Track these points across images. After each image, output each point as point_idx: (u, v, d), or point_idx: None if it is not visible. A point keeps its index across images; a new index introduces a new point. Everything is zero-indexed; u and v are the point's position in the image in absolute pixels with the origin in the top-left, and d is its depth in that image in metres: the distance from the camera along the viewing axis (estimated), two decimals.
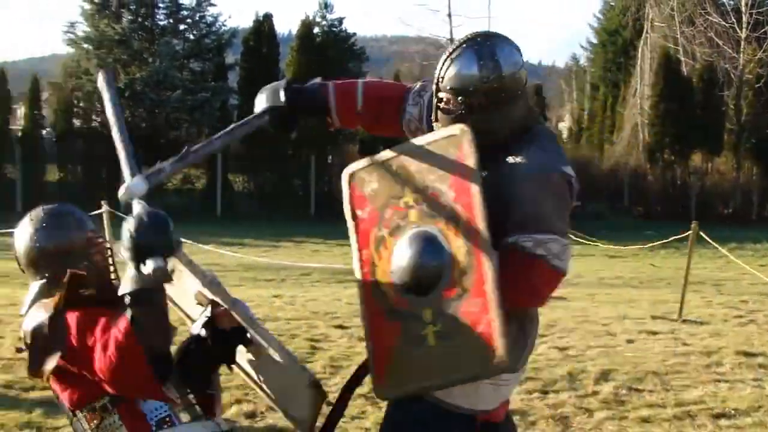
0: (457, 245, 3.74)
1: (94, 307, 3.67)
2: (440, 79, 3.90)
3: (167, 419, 3.79)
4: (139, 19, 35.55)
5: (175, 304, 4.26)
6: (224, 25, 37.56)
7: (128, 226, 3.29)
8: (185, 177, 36.89)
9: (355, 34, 42.39)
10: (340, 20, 40.62)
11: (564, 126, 57.66)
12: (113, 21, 34.62)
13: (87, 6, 35.39)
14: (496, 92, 3.87)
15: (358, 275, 3.91)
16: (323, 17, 40.05)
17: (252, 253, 20.46)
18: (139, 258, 3.26)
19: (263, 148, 35.27)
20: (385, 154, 3.98)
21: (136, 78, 33.50)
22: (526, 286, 3.77)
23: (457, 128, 3.79)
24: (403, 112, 4.23)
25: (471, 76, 3.85)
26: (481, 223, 3.68)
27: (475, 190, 3.71)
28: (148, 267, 3.23)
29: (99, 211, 15.24)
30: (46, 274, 3.89)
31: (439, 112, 3.94)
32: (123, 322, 3.40)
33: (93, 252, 3.93)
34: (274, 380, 4.27)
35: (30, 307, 3.87)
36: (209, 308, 4.03)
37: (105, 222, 14.75)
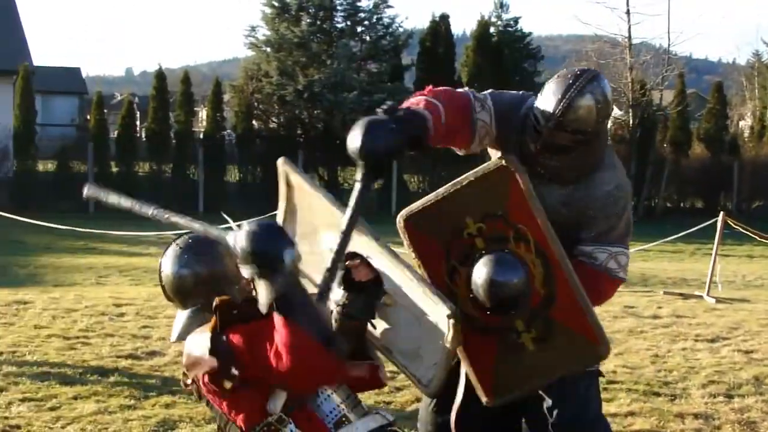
0: (531, 259, 4.11)
1: (248, 323, 3.77)
2: (561, 119, 4.12)
3: (343, 419, 3.88)
4: (318, 22, 36.05)
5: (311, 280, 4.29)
6: (401, 27, 37.80)
7: (241, 243, 3.63)
8: None
9: (530, 33, 42.14)
10: (516, 20, 40.46)
11: (745, 124, 56.11)
12: (293, 24, 35.22)
13: (268, 10, 36.08)
14: (604, 126, 4.27)
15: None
16: (499, 17, 39.95)
17: None
18: (267, 265, 3.59)
19: (438, 147, 35.38)
20: (439, 193, 4.35)
21: (315, 80, 34.00)
22: (594, 292, 4.20)
23: (499, 161, 4.14)
24: (475, 120, 4.40)
25: (591, 115, 4.14)
26: (550, 236, 4.05)
27: (535, 206, 4.06)
28: (287, 259, 3.57)
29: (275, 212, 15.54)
30: (200, 301, 3.98)
31: (541, 145, 4.21)
32: (280, 323, 3.57)
33: (241, 276, 3.93)
34: (407, 332, 4.28)
35: (181, 335, 4.00)
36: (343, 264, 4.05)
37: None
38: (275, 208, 14.54)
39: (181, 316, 4.05)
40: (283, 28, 35.11)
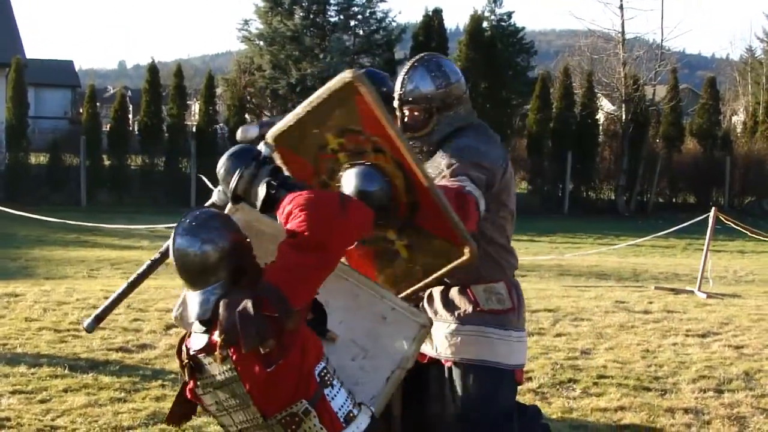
0: (391, 170, 4.28)
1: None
2: (402, 95, 4.80)
3: (350, 414, 3.91)
4: (311, 16, 36.05)
5: None
6: (394, 21, 37.86)
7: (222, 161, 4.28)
8: None
9: (524, 28, 42.22)
10: (509, 14, 40.57)
11: (738, 120, 56.17)
12: (286, 18, 35.23)
13: (261, 3, 36.10)
14: (447, 97, 4.80)
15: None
16: (492, 12, 40.06)
17: None
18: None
19: None
20: (297, 112, 4.40)
21: (308, 74, 34.01)
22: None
23: (348, 74, 4.17)
24: None
25: (427, 87, 4.79)
26: (403, 146, 4.19)
27: (384, 117, 4.15)
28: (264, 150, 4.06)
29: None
30: (223, 275, 3.85)
31: (402, 121, 4.78)
32: (286, 199, 3.88)
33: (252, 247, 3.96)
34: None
35: (205, 313, 3.85)
36: None
37: None
38: None
39: (200, 295, 3.89)
40: (276, 21, 35.12)
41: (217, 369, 3.83)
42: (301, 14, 35.80)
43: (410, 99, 4.81)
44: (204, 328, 3.85)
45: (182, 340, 4.02)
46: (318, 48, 35.32)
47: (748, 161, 38.00)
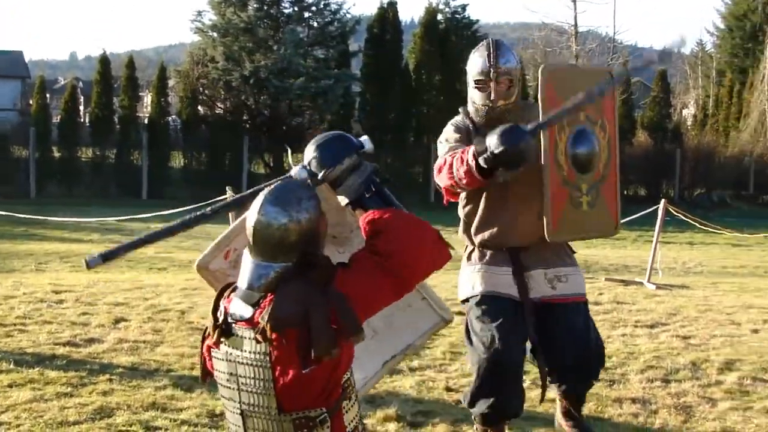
0: (602, 144, 5.71)
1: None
2: (498, 68, 5.56)
3: (356, 429, 3.89)
4: (265, 8, 35.91)
5: None
6: (348, 13, 37.86)
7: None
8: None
9: (478, 21, 42.26)
10: (463, 7, 40.51)
11: (688, 113, 56.67)
12: (239, 9, 35.07)
13: None
14: (520, 71, 5.79)
15: (545, 154, 5.43)
16: (446, 4, 39.97)
17: None
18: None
19: (384, 134, 35.46)
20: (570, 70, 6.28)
21: (261, 65, 33.89)
22: None
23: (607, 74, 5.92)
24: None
25: (513, 62, 5.67)
26: (614, 132, 5.80)
27: (609, 107, 5.83)
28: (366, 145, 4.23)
29: (224, 197, 15.51)
30: (293, 257, 3.75)
31: (496, 92, 5.56)
32: (378, 211, 3.97)
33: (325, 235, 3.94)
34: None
35: (263, 286, 3.76)
36: None
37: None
38: (220, 193, 14.42)
39: (262, 267, 3.77)
40: (230, 13, 34.96)
41: (250, 345, 3.73)
42: (254, 6, 35.67)
43: (504, 71, 5.58)
44: (253, 300, 3.75)
45: (220, 295, 3.93)
46: (272, 40, 35.22)
47: (698, 154, 38.36)
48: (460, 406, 7.14)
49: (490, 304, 5.61)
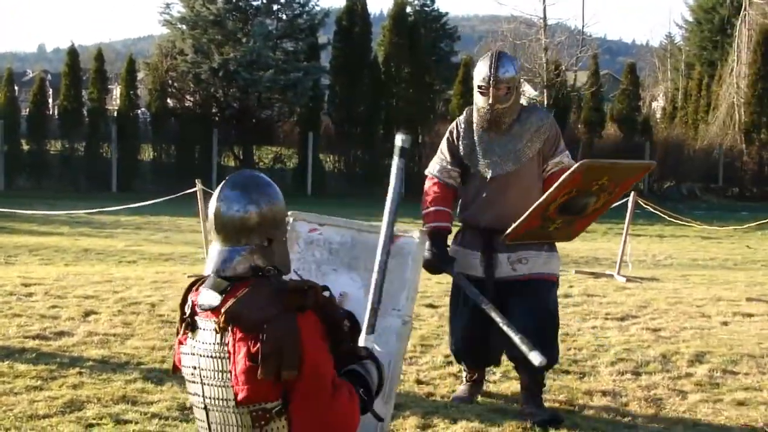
0: (598, 204, 6.43)
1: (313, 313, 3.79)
2: (496, 76, 6.40)
3: None
4: (234, 0, 35.80)
5: None
6: (317, 5, 37.74)
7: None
8: (277, 156, 37.24)
9: (447, 13, 42.37)
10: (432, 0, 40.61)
11: (657, 105, 56.94)
12: (208, 1, 34.90)
13: None
14: (519, 79, 6.66)
15: (541, 199, 6.19)
16: None
17: None
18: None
19: (354, 127, 35.43)
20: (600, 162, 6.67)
21: (230, 58, 33.79)
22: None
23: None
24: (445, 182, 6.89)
25: (512, 71, 6.50)
26: (620, 194, 6.64)
27: (628, 183, 6.66)
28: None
29: (193, 189, 15.47)
30: (255, 241, 3.88)
31: (494, 97, 6.45)
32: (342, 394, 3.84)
33: (286, 230, 4.06)
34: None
35: (223, 268, 3.86)
36: None
37: (199, 200, 14.95)
38: (188, 186, 14.41)
39: (226, 251, 3.88)
40: (199, 5, 34.82)
41: (211, 336, 3.79)
42: None
43: (503, 79, 6.41)
44: (221, 288, 3.82)
45: (189, 289, 4.00)
46: (241, 32, 35.09)
47: (667, 146, 38.57)
48: (431, 398, 7.19)
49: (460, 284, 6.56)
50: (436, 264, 6.48)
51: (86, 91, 34.51)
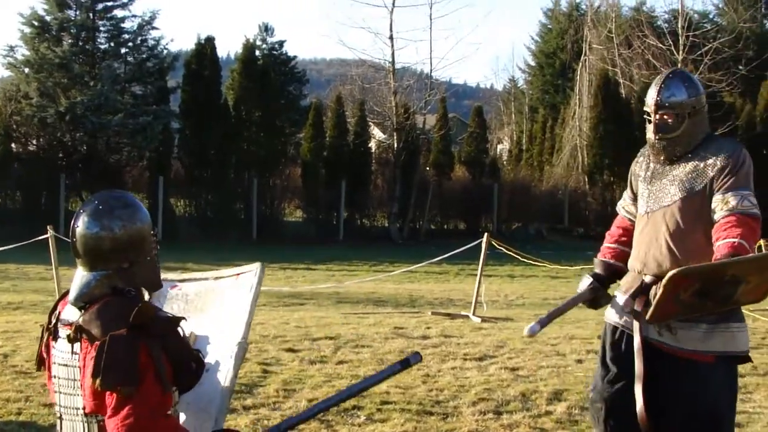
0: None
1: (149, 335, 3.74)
2: (658, 101, 5.51)
3: None
4: (80, 43, 35.22)
5: None
6: (166, 49, 37.36)
7: None
8: None
9: (295, 57, 42.48)
10: (281, 43, 40.69)
11: (504, 148, 58.04)
12: (54, 44, 34.28)
13: (27, 29, 35.03)
14: (697, 104, 5.53)
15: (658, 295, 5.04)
16: (264, 40, 40.06)
17: None
18: None
19: (204, 171, 35.19)
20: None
21: (77, 102, 33.20)
22: (746, 229, 5.28)
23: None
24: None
25: (681, 95, 5.50)
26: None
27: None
28: None
29: (45, 236, 15.16)
30: (112, 266, 3.87)
31: (655, 126, 5.56)
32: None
33: (153, 247, 4.02)
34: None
35: (82, 296, 3.87)
36: None
37: (51, 247, 14.65)
38: (35, 232, 14.21)
39: (86, 277, 3.90)
40: (44, 48, 34.14)
41: (67, 347, 3.82)
42: (69, 41, 34.95)
43: (666, 105, 5.52)
44: (79, 304, 3.86)
45: (59, 301, 4.04)
46: (88, 75, 34.52)
47: (514, 188, 39.38)
48: None
49: (603, 334, 6.03)
50: (582, 296, 5.91)
51: None
